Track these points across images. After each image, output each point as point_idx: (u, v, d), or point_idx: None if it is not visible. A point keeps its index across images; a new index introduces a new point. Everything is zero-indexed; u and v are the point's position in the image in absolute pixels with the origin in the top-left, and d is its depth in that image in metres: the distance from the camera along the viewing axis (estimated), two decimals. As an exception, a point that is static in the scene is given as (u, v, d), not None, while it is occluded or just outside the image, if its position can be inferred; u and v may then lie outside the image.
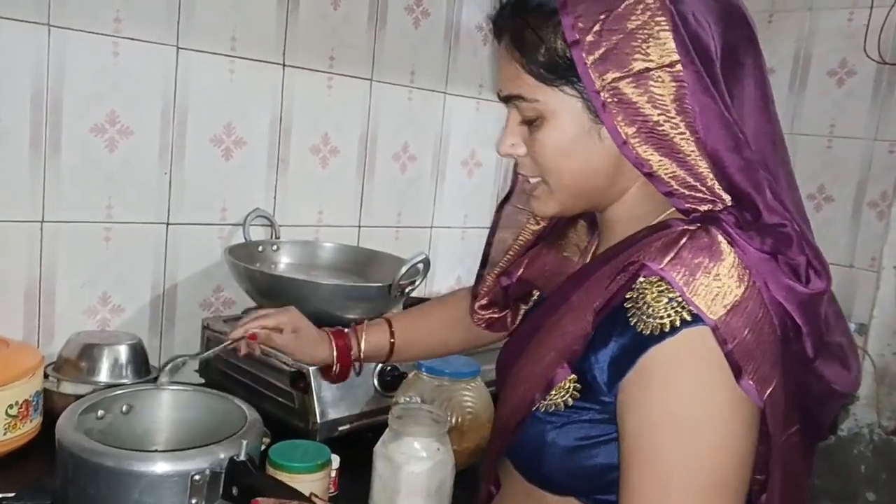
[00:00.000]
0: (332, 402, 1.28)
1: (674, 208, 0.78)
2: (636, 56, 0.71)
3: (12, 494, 0.97)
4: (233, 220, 1.64)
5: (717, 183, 0.74)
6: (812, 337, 0.73)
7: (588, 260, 0.89)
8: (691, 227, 0.74)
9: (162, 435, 1.09)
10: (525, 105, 0.78)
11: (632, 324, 0.71)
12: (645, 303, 0.71)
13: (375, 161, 1.88)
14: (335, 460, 1.12)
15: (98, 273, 1.47)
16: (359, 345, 1.17)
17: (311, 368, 1.26)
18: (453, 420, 1.23)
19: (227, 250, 1.51)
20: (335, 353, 1.15)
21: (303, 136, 1.72)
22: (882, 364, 2.13)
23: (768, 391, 0.70)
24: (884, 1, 2.04)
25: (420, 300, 1.90)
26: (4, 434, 1.14)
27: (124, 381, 1.33)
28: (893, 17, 2.03)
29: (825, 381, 0.78)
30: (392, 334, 1.18)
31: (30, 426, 1.19)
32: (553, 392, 0.77)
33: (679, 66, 0.70)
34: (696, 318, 0.68)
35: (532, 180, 0.84)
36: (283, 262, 1.68)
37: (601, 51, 0.71)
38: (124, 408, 1.06)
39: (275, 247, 1.67)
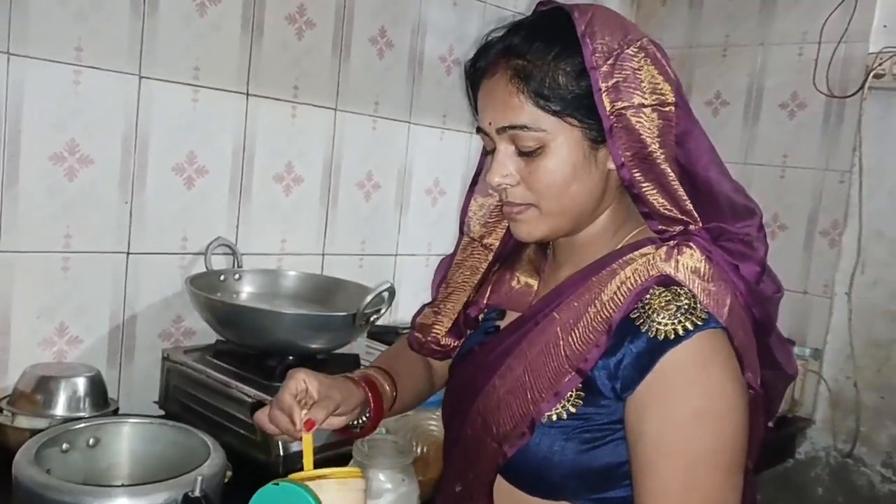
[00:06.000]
0: (295, 434, 1.26)
1: (635, 231, 0.90)
2: (637, 92, 0.82)
3: (-37, 534, 0.94)
4: (194, 249, 1.62)
5: (692, 206, 0.85)
6: (771, 331, 0.89)
7: (558, 282, 0.91)
8: (671, 244, 0.84)
9: (125, 469, 1.07)
10: (527, 135, 0.83)
11: (643, 331, 0.79)
12: (654, 310, 0.80)
13: (339, 189, 1.88)
14: None
15: (55, 303, 1.44)
16: (388, 393, 1.03)
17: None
18: (418, 450, 1.23)
19: (187, 280, 1.49)
20: (372, 405, 1.00)
21: (266, 165, 1.72)
22: (836, 388, 2.18)
23: (759, 379, 0.83)
24: (831, 37, 2.12)
25: (385, 329, 1.90)
26: (-45, 471, 1.11)
27: (82, 414, 1.30)
28: (840, 52, 2.11)
29: (781, 367, 0.92)
30: (394, 385, 1.05)
31: (-18, 462, 1.15)
32: (560, 402, 0.82)
33: (672, 107, 0.83)
34: (707, 322, 0.78)
35: (518, 208, 0.88)
36: (246, 292, 1.67)
37: (613, 81, 0.81)
38: (90, 441, 1.04)
39: (237, 276, 1.66)
